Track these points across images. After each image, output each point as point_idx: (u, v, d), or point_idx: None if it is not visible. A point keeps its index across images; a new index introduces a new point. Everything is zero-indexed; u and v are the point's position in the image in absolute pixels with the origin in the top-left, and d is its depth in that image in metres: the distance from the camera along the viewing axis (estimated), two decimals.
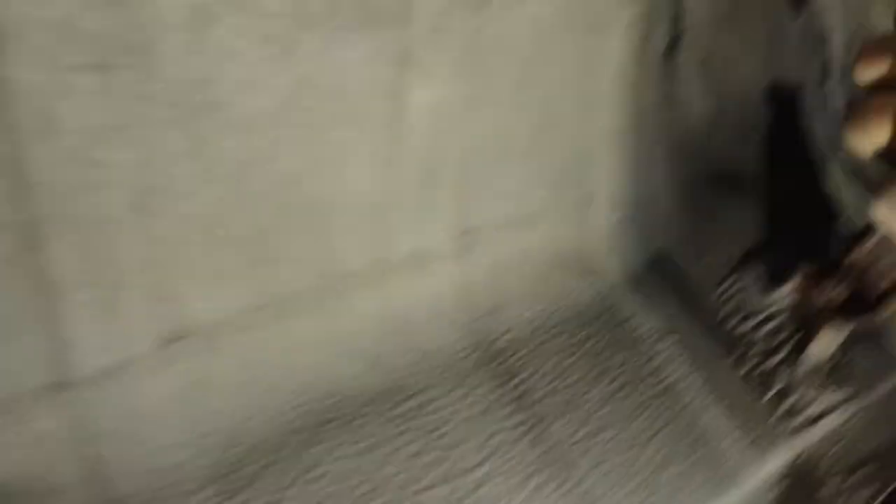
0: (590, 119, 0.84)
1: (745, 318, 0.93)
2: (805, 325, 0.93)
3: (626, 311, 0.88)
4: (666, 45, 0.91)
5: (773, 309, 0.94)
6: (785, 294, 0.93)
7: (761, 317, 0.94)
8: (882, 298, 0.90)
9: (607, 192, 0.86)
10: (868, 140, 0.50)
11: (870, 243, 0.90)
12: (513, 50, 0.75)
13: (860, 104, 0.52)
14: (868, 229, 0.91)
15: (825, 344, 0.91)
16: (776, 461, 0.88)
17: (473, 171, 0.79)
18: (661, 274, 0.91)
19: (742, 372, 0.91)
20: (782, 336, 0.94)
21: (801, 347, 0.93)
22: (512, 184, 0.81)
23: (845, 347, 0.95)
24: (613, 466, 0.82)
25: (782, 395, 0.92)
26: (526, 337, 0.83)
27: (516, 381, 0.82)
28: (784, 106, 1.01)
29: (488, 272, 0.82)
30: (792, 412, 0.91)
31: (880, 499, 0.91)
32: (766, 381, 0.92)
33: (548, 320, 0.85)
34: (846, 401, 0.94)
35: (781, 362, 0.93)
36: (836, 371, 0.94)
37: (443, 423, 0.78)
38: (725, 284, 0.94)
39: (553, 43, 0.77)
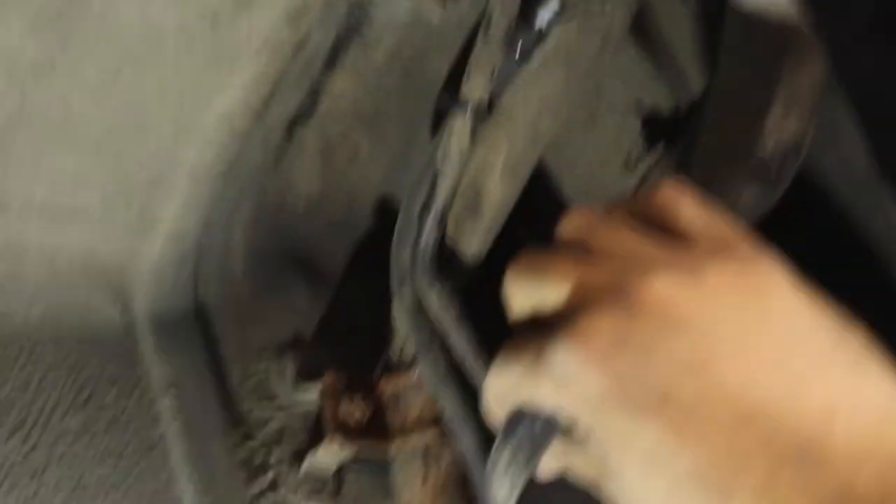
0: (179, 146, 0.83)
1: (263, 401, 0.95)
2: (317, 429, 0.97)
3: (140, 349, 0.86)
4: (292, 116, 0.94)
5: (294, 402, 0.97)
6: (310, 393, 0.96)
7: (280, 405, 0.96)
8: (396, 433, 0.96)
9: (172, 224, 0.84)
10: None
11: (405, 379, 0.96)
12: (116, 39, 0.73)
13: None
14: (410, 365, 0.98)
15: (328, 455, 0.94)
16: None
17: (23, 138, 0.74)
18: (195, 328, 0.90)
19: (237, 455, 0.91)
20: (292, 432, 0.96)
21: (304, 450, 0.96)
22: (64, 172, 0.77)
23: (348, 465, 0.99)
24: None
25: (267, 490, 0.93)
26: (12, 336, 0.78)
27: None
28: (386, 222, 1.08)
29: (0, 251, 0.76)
30: None
31: None
32: (256, 471, 0.93)
33: (51, 326, 0.80)
34: None
35: (281, 459, 0.95)
36: (327, 485, 0.98)
37: None
38: (256, 363, 0.95)
39: (164, 54, 0.76)
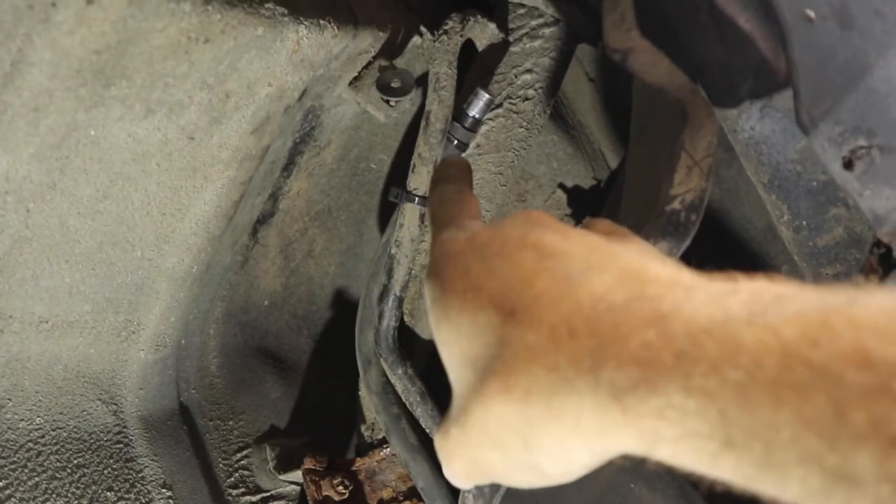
0: (161, 254, 0.94)
1: (251, 492, 1.03)
2: None
3: (133, 451, 0.94)
4: (256, 218, 1.07)
5: (280, 489, 1.06)
6: (293, 479, 1.05)
7: (267, 494, 1.05)
8: None
9: (155, 329, 0.94)
10: None
11: (378, 455, 1.06)
12: (108, 159, 0.84)
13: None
14: (381, 442, 1.08)
15: None
16: None
17: (25, 258, 0.84)
18: (182, 424, 0.99)
19: None
20: None
21: None
22: (60, 286, 0.87)
23: None
24: None
25: None
26: (17, 445, 0.85)
27: None
28: (344, 311, 1.20)
29: (3, 366, 0.85)
30: None
31: None
32: None
33: (49, 435, 0.88)
34: None
35: None
36: None
37: None
38: (242, 454, 1.04)
39: (149, 169, 0.88)
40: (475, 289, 0.49)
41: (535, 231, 0.52)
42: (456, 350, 0.49)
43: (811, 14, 0.78)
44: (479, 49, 1.11)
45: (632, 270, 0.46)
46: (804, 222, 1.01)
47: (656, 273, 0.45)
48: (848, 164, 0.84)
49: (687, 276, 0.45)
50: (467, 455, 0.50)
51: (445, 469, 0.55)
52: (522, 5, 1.11)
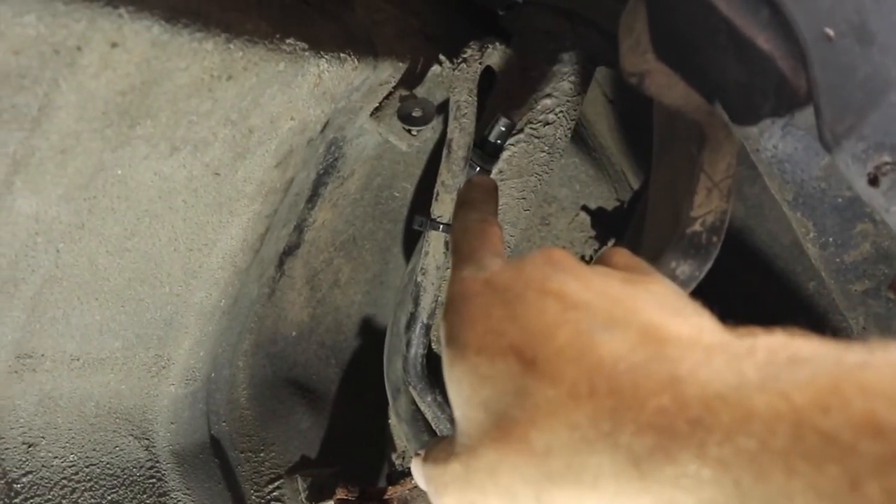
0: (189, 289, 0.94)
1: None
2: None
3: (166, 485, 0.94)
4: (282, 250, 1.07)
5: None
6: None
7: None
8: None
9: (184, 363, 0.94)
10: None
11: (410, 483, 1.06)
12: (135, 197, 0.85)
13: None
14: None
15: None
16: None
17: (56, 297, 0.84)
18: (213, 457, 0.99)
19: None
20: None
21: None
22: (91, 324, 0.88)
23: None
24: None
25: None
26: (52, 483, 0.86)
27: None
28: (371, 340, 1.20)
29: (36, 404, 0.85)
30: None
31: None
32: None
33: (83, 472, 0.88)
34: None
35: None
36: None
37: None
38: (273, 485, 1.04)
39: (175, 205, 0.89)
40: (496, 333, 0.49)
41: (555, 276, 0.52)
42: (467, 389, 0.49)
43: (830, 32, 0.77)
44: (499, 76, 1.12)
45: (653, 328, 0.46)
46: (830, 239, 0.99)
47: (678, 331, 0.46)
48: (873, 181, 0.83)
49: (708, 333, 0.45)
50: (464, 495, 0.49)
51: (433, 497, 0.54)
52: (539, 31, 1.11)
